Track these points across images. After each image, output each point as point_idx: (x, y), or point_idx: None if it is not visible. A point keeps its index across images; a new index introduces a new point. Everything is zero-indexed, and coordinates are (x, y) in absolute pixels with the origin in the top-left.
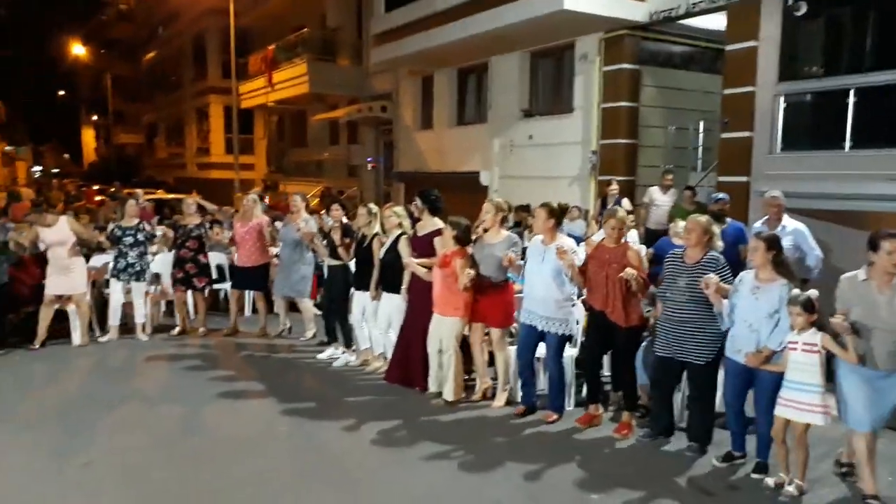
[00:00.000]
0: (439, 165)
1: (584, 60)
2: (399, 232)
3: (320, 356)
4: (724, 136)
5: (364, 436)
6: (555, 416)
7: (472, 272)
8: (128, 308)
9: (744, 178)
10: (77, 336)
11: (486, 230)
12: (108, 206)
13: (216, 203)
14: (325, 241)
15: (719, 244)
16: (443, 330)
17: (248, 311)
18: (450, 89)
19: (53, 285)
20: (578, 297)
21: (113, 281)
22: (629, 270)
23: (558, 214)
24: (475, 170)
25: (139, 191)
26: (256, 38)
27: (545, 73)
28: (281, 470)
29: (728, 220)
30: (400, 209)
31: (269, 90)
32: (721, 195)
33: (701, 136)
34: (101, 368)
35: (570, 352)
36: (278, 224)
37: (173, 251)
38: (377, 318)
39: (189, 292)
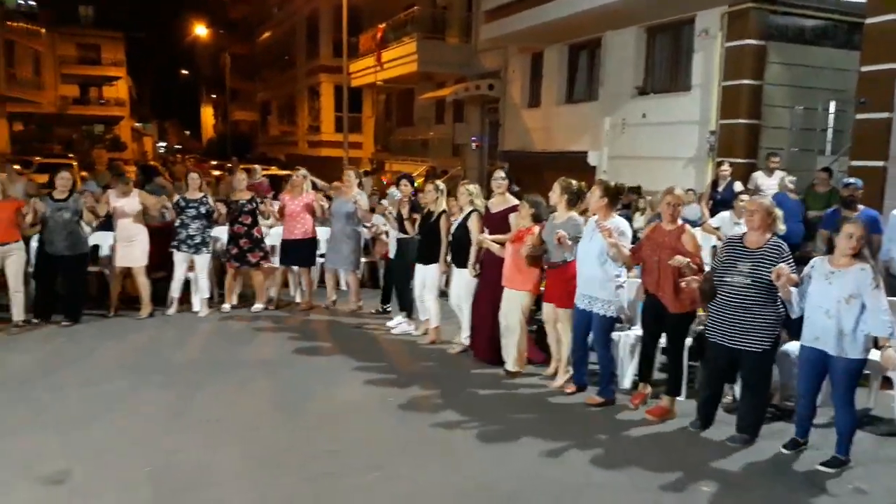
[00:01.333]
0: (545, 144)
1: (704, 36)
2: (471, 209)
3: (389, 324)
4: (860, 116)
5: (450, 409)
6: (598, 400)
7: (533, 241)
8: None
9: (880, 163)
10: (197, 303)
11: (587, 212)
12: (226, 181)
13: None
14: (394, 215)
15: (782, 227)
16: (511, 303)
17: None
18: (560, 66)
19: (120, 257)
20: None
21: (175, 252)
22: (678, 258)
23: (613, 193)
24: (583, 149)
25: (257, 166)
26: (368, 16)
27: (662, 49)
28: (390, 437)
29: (860, 207)
30: (473, 186)
31: (379, 69)
32: (852, 180)
33: (832, 116)
34: (195, 336)
35: (627, 334)
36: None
37: (226, 226)
38: (452, 292)
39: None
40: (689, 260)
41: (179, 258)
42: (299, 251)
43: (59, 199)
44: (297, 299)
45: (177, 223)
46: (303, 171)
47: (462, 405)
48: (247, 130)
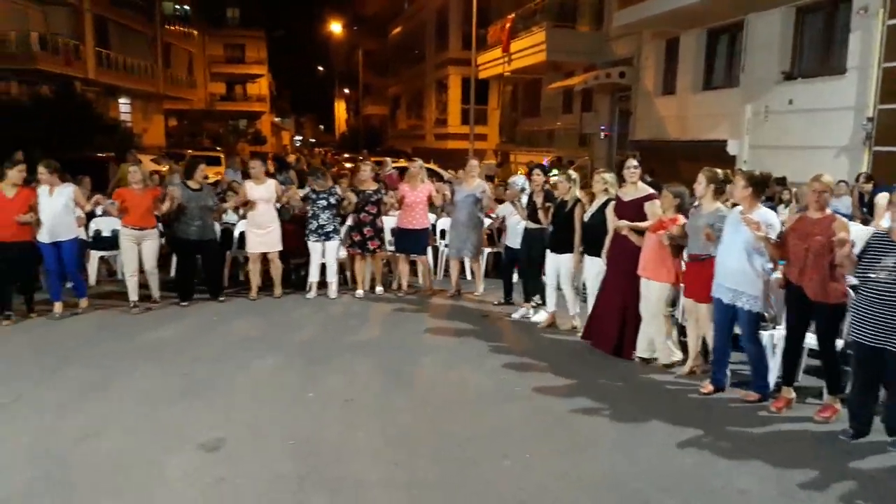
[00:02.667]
0: (680, 133)
1: (863, 14)
2: (606, 198)
3: (514, 315)
4: None
5: (580, 399)
6: (754, 396)
7: (678, 231)
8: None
9: None
10: (311, 287)
11: (733, 204)
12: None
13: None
14: (525, 205)
15: None
16: (651, 294)
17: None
18: (697, 51)
19: (253, 244)
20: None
21: (309, 241)
22: (843, 235)
23: (758, 183)
24: (722, 138)
25: (388, 159)
26: (497, 8)
27: (812, 30)
28: (520, 426)
29: None
30: (609, 175)
31: (506, 60)
32: None
33: None
34: (328, 318)
35: (772, 333)
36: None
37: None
38: (582, 279)
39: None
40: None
41: (314, 246)
42: (414, 240)
43: (194, 188)
44: (402, 285)
45: (308, 213)
46: (419, 162)
47: (593, 396)
48: (377, 124)
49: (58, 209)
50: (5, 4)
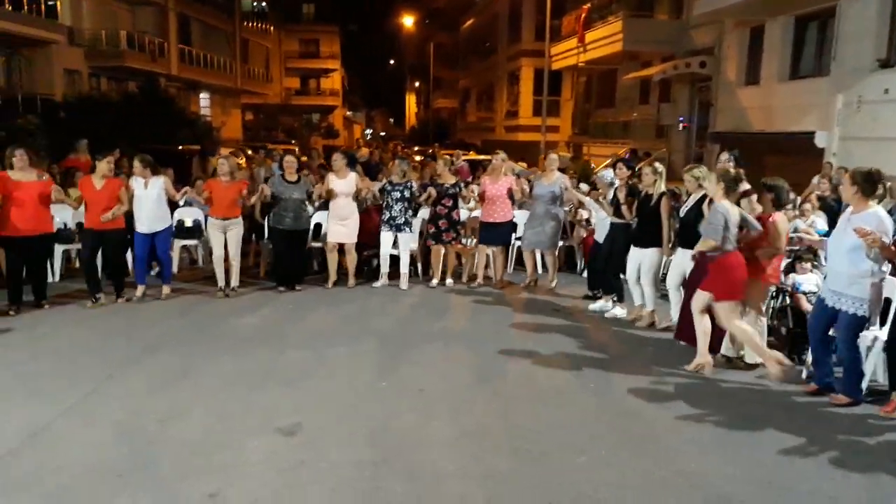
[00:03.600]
0: (764, 125)
1: None
2: (703, 192)
3: (592, 307)
4: None
5: (659, 396)
6: (844, 400)
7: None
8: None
9: None
10: (382, 277)
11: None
12: (430, 166)
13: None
14: (610, 200)
15: None
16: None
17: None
18: (783, 39)
19: (333, 233)
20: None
21: (382, 231)
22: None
23: (864, 181)
24: (809, 130)
25: (459, 152)
26: None
27: None
28: (596, 421)
29: None
30: (700, 170)
31: (581, 50)
32: None
33: None
34: (400, 307)
35: (864, 334)
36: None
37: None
38: (669, 275)
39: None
40: None
41: (385, 237)
42: (497, 233)
43: (290, 181)
44: (478, 277)
45: (383, 205)
46: (502, 155)
47: (673, 394)
48: (446, 117)
49: (153, 201)
50: (97, 5)
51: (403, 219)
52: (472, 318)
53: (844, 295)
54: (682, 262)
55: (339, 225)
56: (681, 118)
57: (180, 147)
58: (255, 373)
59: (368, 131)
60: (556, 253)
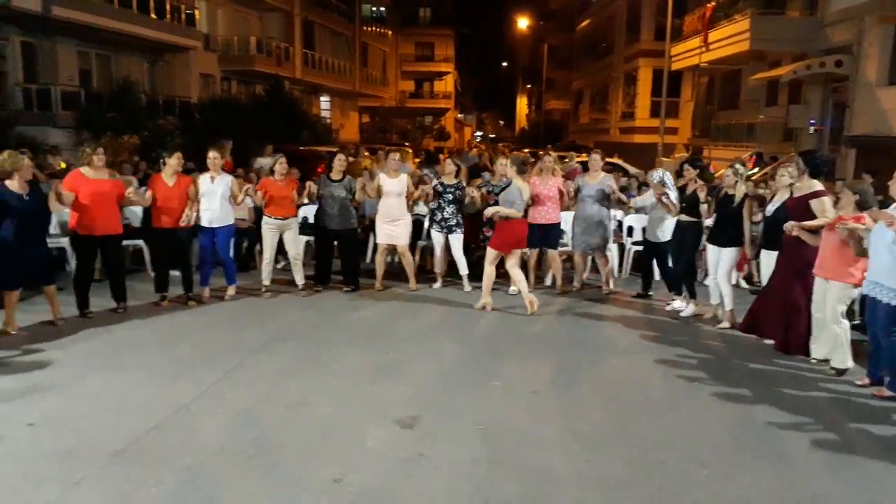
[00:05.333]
0: None
1: None
2: (788, 193)
3: (668, 308)
4: None
5: (775, 408)
6: (886, 393)
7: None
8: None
9: None
10: (438, 279)
11: None
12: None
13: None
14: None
15: None
16: (829, 295)
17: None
18: None
19: (383, 235)
20: None
21: (433, 231)
22: None
23: None
24: None
25: (572, 153)
26: None
27: None
28: (712, 432)
29: None
30: (789, 169)
31: (703, 50)
32: None
33: None
34: (495, 311)
35: None
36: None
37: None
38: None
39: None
40: None
41: (436, 237)
42: (544, 235)
43: (335, 179)
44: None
45: (433, 205)
46: (553, 156)
47: (788, 406)
48: (558, 119)
49: (218, 197)
50: (231, 13)
51: (456, 220)
52: (566, 322)
53: (883, 286)
54: (769, 263)
55: (390, 226)
56: (812, 121)
57: (301, 148)
58: (372, 365)
59: (479, 133)
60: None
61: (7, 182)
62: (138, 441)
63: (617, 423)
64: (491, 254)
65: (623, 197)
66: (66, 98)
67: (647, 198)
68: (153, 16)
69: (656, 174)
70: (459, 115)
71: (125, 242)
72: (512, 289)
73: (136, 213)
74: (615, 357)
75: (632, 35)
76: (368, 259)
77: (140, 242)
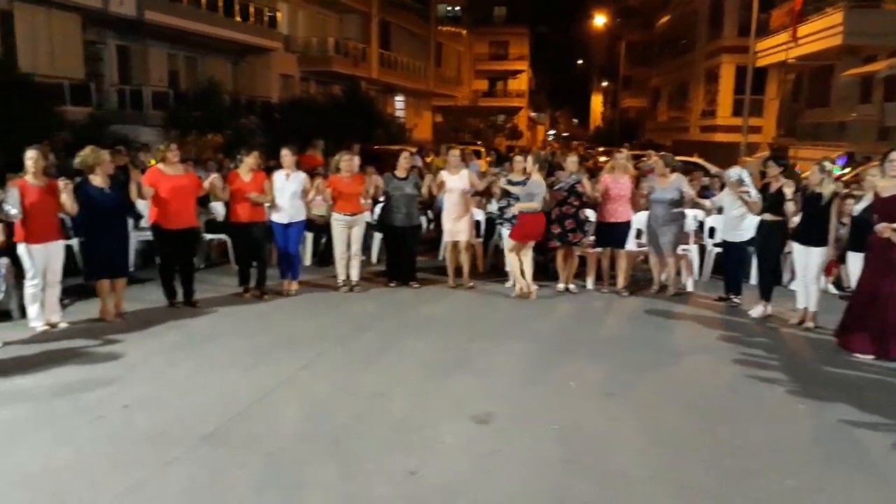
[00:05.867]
0: None
1: None
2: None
3: (752, 313)
4: None
5: (868, 418)
6: None
7: None
8: None
9: None
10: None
11: None
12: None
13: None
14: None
15: None
16: None
17: None
18: None
19: (447, 231)
20: None
21: (503, 229)
22: None
23: None
24: None
25: (651, 151)
26: None
27: None
28: (799, 440)
29: None
30: (875, 169)
31: (791, 45)
32: None
33: None
34: (567, 310)
35: None
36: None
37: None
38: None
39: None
40: None
41: (506, 235)
42: (615, 234)
43: (400, 177)
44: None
45: (502, 203)
46: (625, 153)
47: (867, 410)
48: (634, 117)
49: (291, 193)
50: (310, 14)
51: None
52: (635, 323)
53: None
54: (856, 265)
55: (453, 222)
56: None
57: (376, 147)
58: (446, 361)
59: (552, 132)
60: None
61: (90, 177)
62: (224, 426)
63: (696, 428)
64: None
65: (700, 200)
66: (156, 98)
67: (724, 197)
68: (237, 18)
69: (733, 172)
70: (532, 114)
71: (210, 236)
72: (560, 285)
73: (218, 208)
74: (692, 360)
75: (714, 31)
76: (441, 256)
77: (224, 236)
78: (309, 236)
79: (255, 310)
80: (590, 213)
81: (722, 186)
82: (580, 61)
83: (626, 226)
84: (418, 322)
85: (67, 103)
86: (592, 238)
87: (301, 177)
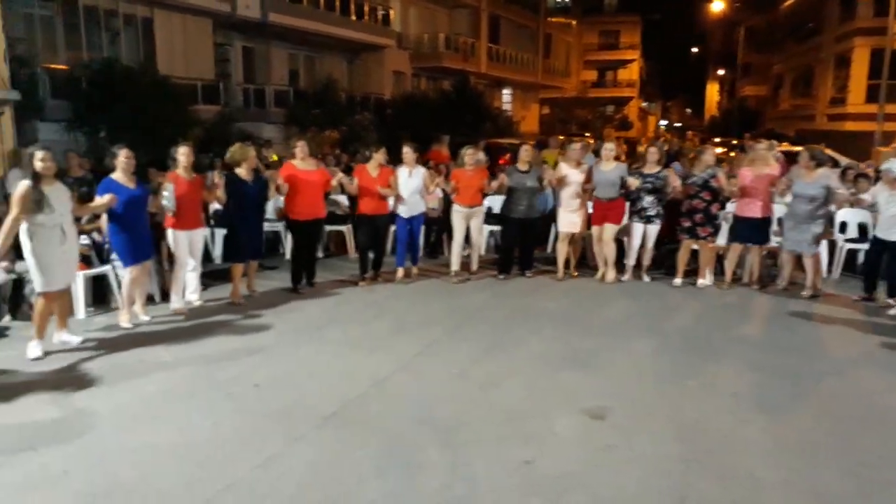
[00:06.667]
0: None
1: None
2: None
3: (891, 311)
4: None
5: None
6: None
7: None
8: None
9: None
10: (627, 270)
11: None
12: (738, 158)
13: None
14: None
15: None
16: None
17: None
18: None
19: (564, 223)
20: None
21: (633, 222)
22: None
23: None
24: None
25: (773, 142)
26: None
27: None
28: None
29: None
30: None
31: None
32: None
33: None
34: (702, 307)
35: None
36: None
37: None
38: None
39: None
40: None
41: (636, 228)
42: (753, 229)
43: (522, 170)
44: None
45: (632, 195)
46: (766, 143)
47: None
48: (753, 106)
49: (413, 188)
50: (422, 11)
51: (655, 210)
52: (761, 322)
53: None
54: None
55: (572, 214)
56: None
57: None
58: (560, 353)
59: (663, 122)
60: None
61: (237, 170)
62: (345, 407)
63: (831, 434)
64: (610, 231)
65: (860, 198)
66: (277, 96)
67: (879, 191)
68: (353, 17)
69: (894, 165)
70: (643, 104)
71: (330, 228)
72: (701, 281)
73: (341, 201)
74: (827, 362)
75: (846, 12)
76: (550, 249)
77: (343, 228)
78: (422, 228)
79: (371, 297)
80: (728, 207)
81: (856, 178)
82: (695, 49)
83: (766, 222)
84: (530, 314)
85: (200, 103)
86: (720, 232)
87: (421, 172)
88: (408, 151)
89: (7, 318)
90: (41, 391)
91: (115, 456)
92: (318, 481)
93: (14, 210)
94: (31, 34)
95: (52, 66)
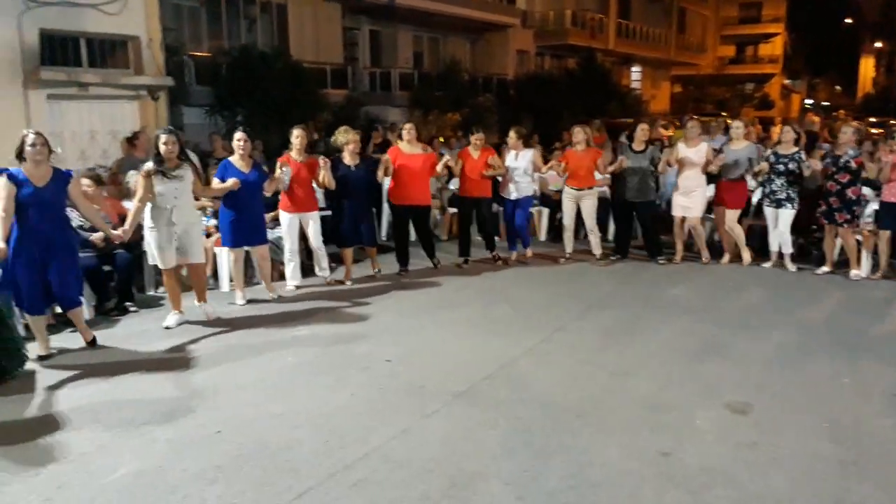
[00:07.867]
0: None
1: None
2: None
3: None
4: None
5: None
6: None
7: None
8: None
9: None
10: (772, 257)
11: None
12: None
13: None
14: None
15: None
16: None
17: None
18: None
19: (676, 206)
20: None
21: (764, 205)
22: None
23: None
24: None
25: None
26: None
27: None
28: None
29: None
30: None
31: None
32: None
33: None
34: (843, 298)
35: None
36: None
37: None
38: None
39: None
40: None
41: (767, 211)
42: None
43: (637, 150)
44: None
45: (763, 178)
46: None
47: None
48: None
49: (520, 171)
50: None
51: (786, 194)
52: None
53: None
54: None
55: (683, 197)
56: None
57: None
58: (694, 342)
59: (809, 101)
60: None
61: (342, 155)
62: (474, 387)
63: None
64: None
65: None
66: (402, 79)
67: None
68: None
69: None
70: (787, 81)
71: (452, 210)
72: (854, 272)
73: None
74: None
75: None
76: None
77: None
78: (545, 211)
79: (486, 279)
80: (867, 192)
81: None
82: (848, 20)
83: None
84: (659, 301)
85: (329, 87)
86: (868, 220)
87: (529, 155)
88: (512, 135)
89: (161, 289)
90: (188, 362)
91: (263, 421)
92: (451, 456)
93: (139, 192)
94: (179, 24)
95: (197, 53)
